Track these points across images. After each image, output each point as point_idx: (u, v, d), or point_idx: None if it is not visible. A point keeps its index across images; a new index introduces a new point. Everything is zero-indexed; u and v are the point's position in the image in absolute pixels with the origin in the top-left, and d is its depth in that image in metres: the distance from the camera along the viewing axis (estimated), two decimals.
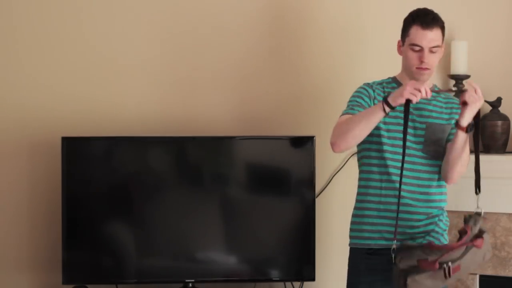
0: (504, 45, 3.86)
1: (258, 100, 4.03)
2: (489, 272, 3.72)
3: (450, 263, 2.98)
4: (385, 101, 2.99)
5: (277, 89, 4.02)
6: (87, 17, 4.06)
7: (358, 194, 3.24)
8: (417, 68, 3.15)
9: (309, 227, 3.71)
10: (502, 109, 3.78)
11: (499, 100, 3.77)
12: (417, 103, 3.03)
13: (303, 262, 3.74)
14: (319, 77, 3.95)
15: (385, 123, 3.15)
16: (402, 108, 3.03)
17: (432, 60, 3.14)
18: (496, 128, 3.76)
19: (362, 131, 3.06)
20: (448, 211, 3.79)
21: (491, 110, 3.79)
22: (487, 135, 3.78)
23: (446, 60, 3.86)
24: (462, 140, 3.10)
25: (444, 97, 3.26)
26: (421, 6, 3.23)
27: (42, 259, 3.99)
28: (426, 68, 3.14)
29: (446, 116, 3.21)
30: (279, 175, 3.77)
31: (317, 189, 3.84)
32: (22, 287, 4.01)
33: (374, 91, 3.23)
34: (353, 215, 3.25)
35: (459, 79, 3.81)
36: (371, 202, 3.19)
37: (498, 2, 3.86)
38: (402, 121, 3.07)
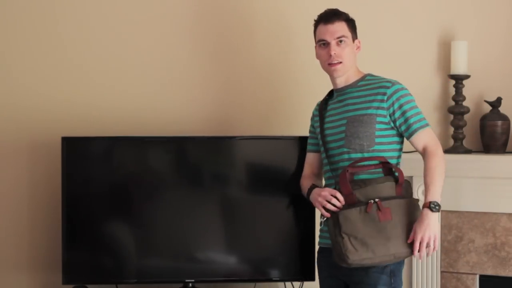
0: (504, 45, 3.86)
1: (259, 100, 4.03)
2: (489, 272, 3.72)
3: (378, 199, 3.08)
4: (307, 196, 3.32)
5: (277, 89, 4.02)
6: (87, 17, 4.06)
7: None
8: (328, 64, 3.24)
9: (309, 227, 3.70)
10: (502, 109, 3.78)
11: (499, 100, 3.77)
12: (341, 97, 3.26)
13: (303, 262, 3.74)
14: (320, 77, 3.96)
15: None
16: (334, 112, 3.27)
17: (342, 53, 3.23)
18: (496, 128, 3.76)
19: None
20: (448, 211, 3.80)
21: (491, 110, 3.79)
22: (487, 135, 3.78)
23: (446, 60, 3.87)
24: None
25: (368, 84, 3.27)
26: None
27: (42, 259, 3.99)
28: (338, 63, 3.23)
29: (366, 105, 3.22)
30: (279, 175, 3.77)
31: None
32: (22, 287, 4.02)
33: (313, 117, 3.45)
34: None
35: (459, 79, 3.81)
36: None
37: (498, 2, 3.87)
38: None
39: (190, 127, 3.99)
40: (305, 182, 3.42)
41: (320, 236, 3.37)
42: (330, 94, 3.39)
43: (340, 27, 3.25)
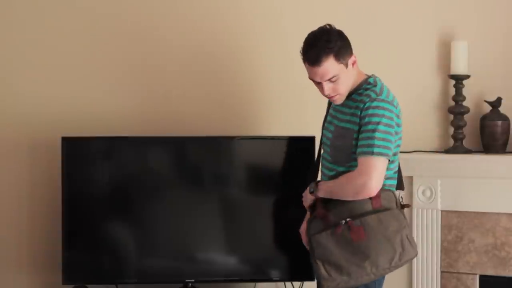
0: (504, 45, 3.85)
1: (259, 100, 4.03)
2: (489, 272, 3.72)
3: (349, 219, 2.99)
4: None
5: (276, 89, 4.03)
6: (87, 18, 4.06)
7: None
8: (325, 96, 3.09)
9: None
10: (502, 109, 3.78)
11: (499, 100, 3.77)
12: (336, 106, 3.12)
13: (303, 262, 3.73)
14: None
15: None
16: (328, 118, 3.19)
17: (336, 87, 3.04)
18: (496, 128, 3.76)
19: None
20: (448, 211, 3.80)
21: (491, 110, 3.79)
22: (487, 135, 3.78)
23: (446, 60, 3.86)
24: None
25: (359, 94, 3.09)
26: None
27: (42, 259, 3.99)
28: (334, 96, 3.07)
29: (348, 118, 3.08)
30: (279, 175, 3.77)
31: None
32: (22, 287, 4.02)
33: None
34: None
35: (459, 79, 3.81)
36: None
37: (498, 2, 3.86)
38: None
39: (190, 127, 3.99)
40: None
41: None
42: None
43: (329, 67, 3.00)
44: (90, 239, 3.75)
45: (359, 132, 3.02)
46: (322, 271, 3.00)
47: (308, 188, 3.15)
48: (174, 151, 3.83)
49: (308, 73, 3.06)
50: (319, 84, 3.06)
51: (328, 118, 3.22)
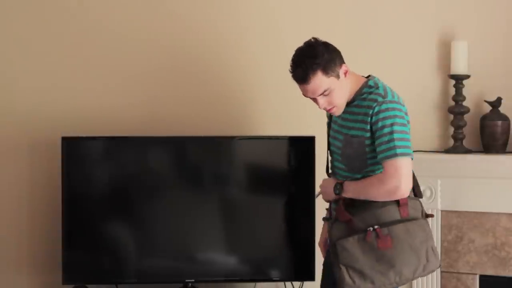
0: (504, 45, 3.85)
1: (259, 100, 4.03)
2: (489, 272, 3.72)
3: (377, 227, 2.95)
4: None
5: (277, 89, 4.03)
6: (87, 18, 4.06)
7: None
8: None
9: (309, 227, 3.71)
10: (502, 109, 3.78)
11: (499, 100, 3.77)
12: (343, 114, 3.06)
13: (303, 262, 3.74)
14: None
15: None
16: (335, 125, 3.12)
17: (331, 100, 2.99)
18: (496, 128, 3.76)
19: None
20: (448, 211, 3.80)
21: (491, 110, 3.79)
22: (487, 135, 3.78)
23: (446, 60, 3.86)
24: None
25: (363, 99, 3.03)
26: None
27: (42, 259, 3.99)
28: (330, 108, 3.02)
29: (357, 125, 3.01)
30: (279, 175, 3.77)
31: (317, 189, 3.83)
32: (22, 287, 4.02)
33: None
34: None
35: (459, 79, 3.81)
36: None
37: (498, 2, 3.86)
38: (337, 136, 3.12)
39: (190, 127, 3.99)
40: None
41: None
42: None
43: (318, 83, 2.94)
44: (90, 239, 3.75)
45: (372, 138, 2.98)
46: (347, 277, 2.95)
47: (327, 185, 3.11)
48: (174, 151, 3.83)
49: (301, 90, 3.01)
50: (314, 100, 3.02)
51: (335, 127, 3.14)
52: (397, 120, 2.96)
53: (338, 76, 2.97)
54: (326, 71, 2.94)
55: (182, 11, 4.07)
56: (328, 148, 3.19)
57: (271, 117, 4.02)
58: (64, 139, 3.73)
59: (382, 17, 3.96)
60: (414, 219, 3.00)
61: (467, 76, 3.81)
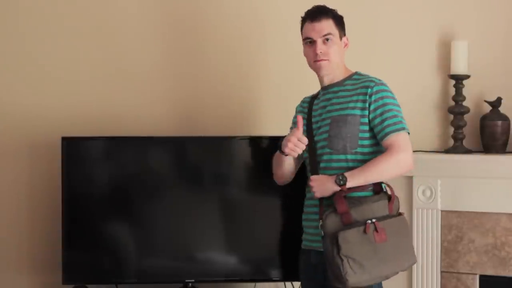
0: (504, 45, 3.85)
1: (259, 100, 4.03)
2: (489, 272, 3.72)
3: (375, 220, 3.03)
4: (280, 148, 3.23)
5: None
6: (87, 18, 4.07)
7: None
8: (314, 61, 3.21)
9: None
10: (502, 109, 3.78)
11: (499, 100, 3.77)
12: (327, 95, 3.21)
13: None
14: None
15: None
16: (319, 111, 3.22)
17: (329, 51, 3.19)
18: (496, 128, 3.76)
19: (283, 172, 3.36)
20: (448, 211, 3.80)
21: (491, 110, 3.79)
22: (487, 135, 3.78)
23: (446, 60, 3.86)
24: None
25: (354, 83, 3.22)
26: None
27: (42, 259, 3.99)
28: (323, 59, 3.18)
29: (351, 105, 3.17)
30: None
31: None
32: (22, 287, 4.02)
33: (296, 113, 3.37)
34: None
35: (459, 79, 3.81)
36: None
37: (498, 2, 3.86)
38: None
39: (190, 127, 3.99)
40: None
41: (304, 238, 3.32)
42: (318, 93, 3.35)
43: (326, 25, 3.20)
44: (90, 239, 3.75)
45: (367, 117, 3.13)
46: (348, 268, 2.99)
47: (323, 180, 3.13)
48: (174, 151, 3.83)
49: (304, 33, 3.24)
50: (311, 46, 3.20)
51: (315, 118, 3.25)
52: (395, 101, 3.17)
53: (341, 38, 3.25)
54: (336, 23, 3.23)
55: (182, 11, 4.07)
56: (311, 148, 3.21)
57: (271, 117, 4.02)
58: (64, 139, 3.73)
59: (382, 17, 3.96)
60: (400, 214, 3.14)
61: (467, 76, 3.81)
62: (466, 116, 3.83)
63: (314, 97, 3.35)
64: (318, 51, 3.18)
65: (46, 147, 3.95)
